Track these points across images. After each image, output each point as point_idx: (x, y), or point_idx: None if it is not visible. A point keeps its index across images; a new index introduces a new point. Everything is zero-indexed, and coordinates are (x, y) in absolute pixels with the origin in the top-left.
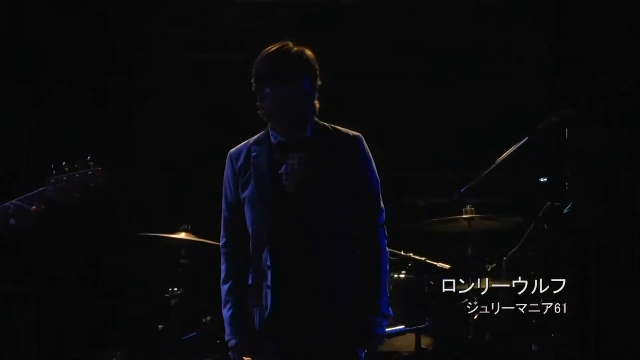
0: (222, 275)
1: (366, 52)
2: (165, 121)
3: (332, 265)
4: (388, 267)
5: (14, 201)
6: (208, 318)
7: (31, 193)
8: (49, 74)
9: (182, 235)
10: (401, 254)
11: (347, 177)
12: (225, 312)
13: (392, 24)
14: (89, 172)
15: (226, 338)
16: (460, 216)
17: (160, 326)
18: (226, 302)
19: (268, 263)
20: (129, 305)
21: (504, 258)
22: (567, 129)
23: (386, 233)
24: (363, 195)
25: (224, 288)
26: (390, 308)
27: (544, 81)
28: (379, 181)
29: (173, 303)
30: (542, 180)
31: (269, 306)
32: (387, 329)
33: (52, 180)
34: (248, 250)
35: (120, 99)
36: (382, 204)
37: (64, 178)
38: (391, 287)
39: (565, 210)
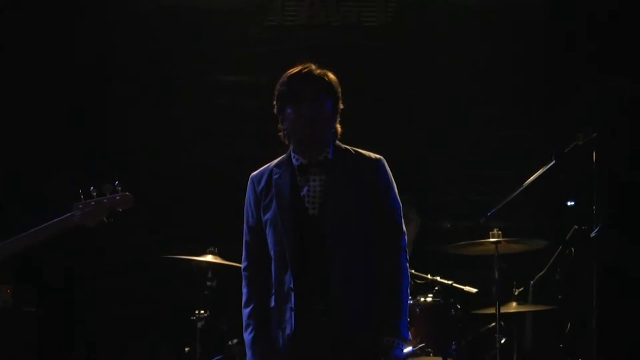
0: (244, 299)
1: (391, 73)
2: (193, 143)
3: (354, 287)
4: (408, 290)
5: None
6: (234, 341)
7: (59, 218)
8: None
9: (209, 257)
10: (428, 278)
11: (368, 199)
12: (247, 336)
13: (415, 43)
14: (117, 197)
15: None
16: (487, 239)
17: (186, 348)
18: (247, 326)
19: (291, 285)
20: (155, 327)
21: (531, 282)
22: (594, 152)
23: (407, 256)
24: (384, 218)
25: (245, 311)
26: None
27: (571, 101)
28: (401, 204)
29: (199, 325)
30: (569, 203)
31: (292, 328)
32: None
33: (80, 206)
34: (269, 273)
35: (149, 119)
36: (403, 227)
37: (92, 203)
38: (418, 310)
39: (593, 234)
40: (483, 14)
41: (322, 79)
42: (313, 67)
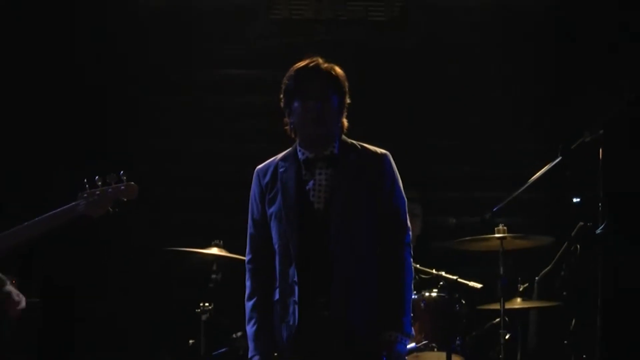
0: (247, 292)
1: (397, 69)
2: (198, 136)
3: (358, 282)
4: (412, 285)
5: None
6: (238, 334)
7: (63, 208)
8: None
9: (214, 250)
10: (433, 273)
11: (373, 194)
12: (249, 329)
13: (421, 39)
14: (122, 187)
15: (249, 355)
16: (493, 235)
17: (191, 341)
18: (250, 319)
19: (295, 279)
20: (159, 320)
21: (536, 278)
22: (600, 149)
23: (411, 251)
24: (389, 214)
25: (249, 304)
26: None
27: (573, 102)
28: (406, 199)
29: (204, 318)
30: (575, 200)
31: (296, 322)
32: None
33: (85, 195)
34: (273, 267)
35: (154, 115)
36: (408, 223)
37: (97, 193)
38: (422, 305)
39: (598, 231)
40: (486, 13)
41: (329, 74)
42: (320, 61)
